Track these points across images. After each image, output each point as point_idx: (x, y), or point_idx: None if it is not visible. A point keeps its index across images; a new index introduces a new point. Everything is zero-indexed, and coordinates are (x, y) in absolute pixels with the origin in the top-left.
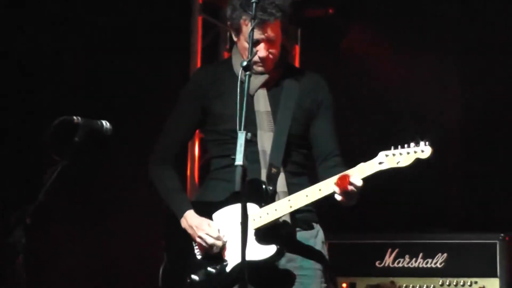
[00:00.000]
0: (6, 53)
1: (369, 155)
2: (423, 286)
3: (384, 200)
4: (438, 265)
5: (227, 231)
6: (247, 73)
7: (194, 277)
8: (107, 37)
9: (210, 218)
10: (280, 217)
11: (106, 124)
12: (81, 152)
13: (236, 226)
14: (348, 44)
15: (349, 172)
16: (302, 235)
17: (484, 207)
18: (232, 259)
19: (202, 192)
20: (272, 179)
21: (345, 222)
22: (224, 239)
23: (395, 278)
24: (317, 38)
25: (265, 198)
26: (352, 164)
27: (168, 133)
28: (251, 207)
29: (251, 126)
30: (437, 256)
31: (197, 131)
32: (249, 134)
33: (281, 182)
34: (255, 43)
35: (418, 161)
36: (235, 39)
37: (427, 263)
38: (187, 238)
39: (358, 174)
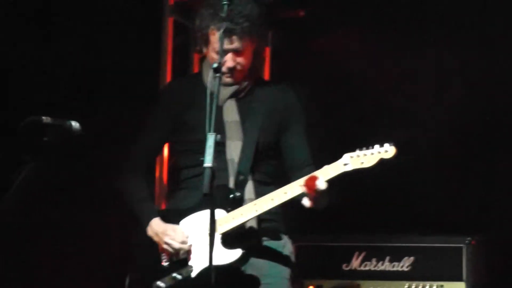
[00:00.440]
0: None
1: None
2: None
3: (351, 203)
4: (404, 268)
5: (193, 236)
6: (217, 74)
7: (160, 284)
8: (77, 39)
9: (177, 225)
10: (247, 222)
11: (75, 124)
12: (52, 152)
13: (202, 231)
14: (320, 45)
15: (315, 174)
16: (269, 245)
17: (451, 210)
18: (198, 264)
19: (171, 201)
20: (240, 186)
21: (313, 223)
22: (190, 244)
23: (361, 281)
24: (289, 40)
25: (232, 203)
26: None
27: (140, 143)
28: (218, 212)
29: (220, 135)
30: (403, 260)
31: None
32: (218, 136)
33: (249, 190)
34: (223, 53)
35: (382, 161)
36: (204, 50)
37: (393, 266)
38: (153, 246)
39: (323, 176)
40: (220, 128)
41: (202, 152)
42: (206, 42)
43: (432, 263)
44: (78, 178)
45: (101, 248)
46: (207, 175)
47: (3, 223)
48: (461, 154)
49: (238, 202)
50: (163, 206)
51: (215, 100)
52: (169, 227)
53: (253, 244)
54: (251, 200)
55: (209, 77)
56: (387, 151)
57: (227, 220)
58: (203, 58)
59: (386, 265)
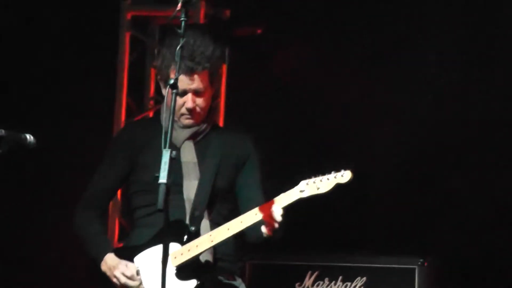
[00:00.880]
0: None
1: (299, 179)
2: None
3: (305, 221)
4: None
5: (147, 271)
6: (174, 91)
7: None
8: (34, 49)
9: (131, 261)
10: (202, 256)
11: (30, 137)
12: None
13: (156, 266)
14: (276, 64)
15: (271, 201)
16: (222, 280)
17: (404, 231)
18: None
19: (127, 240)
20: (195, 222)
21: (266, 241)
22: (143, 279)
23: None
24: (245, 58)
25: (188, 237)
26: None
27: (96, 183)
28: (173, 246)
29: (177, 176)
30: (356, 280)
31: None
32: (173, 153)
33: (205, 226)
34: (182, 93)
35: (338, 185)
36: (164, 92)
37: (346, 286)
38: (107, 282)
39: (279, 202)
40: (177, 169)
41: (156, 192)
42: (167, 81)
43: (384, 283)
44: (25, 190)
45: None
46: (161, 191)
47: None
48: (415, 175)
49: (194, 236)
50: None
51: (171, 118)
52: (122, 262)
53: (208, 277)
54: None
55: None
56: (343, 175)
57: (182, 251)
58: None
59: (338, 285)
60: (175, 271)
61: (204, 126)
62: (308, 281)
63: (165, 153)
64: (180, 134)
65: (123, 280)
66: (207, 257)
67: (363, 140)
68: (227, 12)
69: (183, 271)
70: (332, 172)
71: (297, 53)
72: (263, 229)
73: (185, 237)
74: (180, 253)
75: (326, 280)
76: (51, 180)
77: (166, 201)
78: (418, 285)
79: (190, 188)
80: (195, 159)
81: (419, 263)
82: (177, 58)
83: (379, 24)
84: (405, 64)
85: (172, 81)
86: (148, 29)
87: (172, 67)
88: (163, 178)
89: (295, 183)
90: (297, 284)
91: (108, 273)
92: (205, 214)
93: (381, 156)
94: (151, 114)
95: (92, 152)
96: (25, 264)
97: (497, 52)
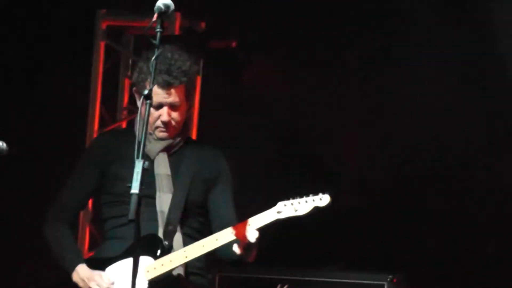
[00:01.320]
0: None
1: (271, 199)
2: None
3: (275, 235)
4: None
5: (119, 283)
6: (148, 101)
7: None
8: (9, 58)
9: (102, 272)
10: (175, 269)
11: (1, 144)
12: None
13: (126, 279)
14: (250, 77)
15: (248, 220)
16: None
17: (374, 247)
18: None
19: (97, 251)
20: (169, 236)
21: (238, 262)
22: None
23: None
24: (219, 70)
25: (161, 251)
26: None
27: (67, 195)
28: (146, 259)
29: (150, 188)
30: None
31: None
32: (146, 163)
33: (177, 241)
34: (158, 106)
35: (316, 209)
36: (138, 103)
37: None
38: None
39: (255, 223)
40: (150, 181)
41: (127, 203)
42: (143, 93)
43: None
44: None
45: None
46: (133, 202)
47: None
48: (386, 191)
49: (166, 251)
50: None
51: (144, 128)
52: (95, 273)
53: None
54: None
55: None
56: (322, 199)
57: (156, 266)
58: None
59: None
60: (147, 285)
61: (178, 139)
62: None
63: (137, 163)
64: (154, 146)
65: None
66: (179, 271)
67: (334, 155)
68: (202, 24)
69: (156, 285)
70: (311, 195)
71: (270, 66)
72: (236, 248)
73: (159, 251)
74: (153, 267)
75: None
76: (21, 190)
77: (137, 211)
78: None
79: (164, 201)
80: (168, 172)
81: (388, 279)
82: (151, 69)
83: (357, 37)
84: (378, 76)
85: (146, 92)
86: (122, 39)
87: (149, 80)
88: (135, 188)
89: (271, 200)
90: None
91: (81, 284)
92: (178, 228)
93: (352, 171)
94: (124, 125)
95: (64, 161)
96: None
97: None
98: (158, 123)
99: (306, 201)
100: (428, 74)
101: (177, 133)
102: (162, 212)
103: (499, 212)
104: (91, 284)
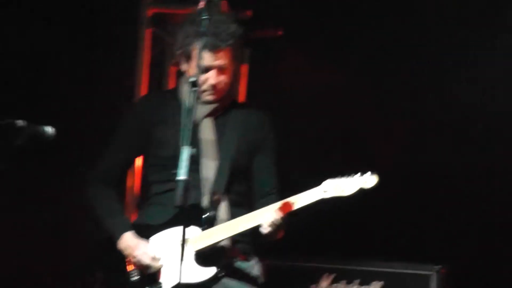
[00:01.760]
0: None
1: (311, 184)
2: None
3: (322, 224)
4: None
5: (164, 253)
6: (194, 89)
7: None
8: (55, 45)
9: (148, 241)
10: (220, 242)
11: (49, 129)
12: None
13: (172, 248)
14: (294, 66)
15: (292, 199)
16: (239, 265)
17: (422, 238)
18: (167, 281)
19: (141, 216)
20: (214, 205)
21: (283, 243)
22: (160, 261)
23: None
24: (265, 59)
25: (206, 222)
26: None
27: (110, 156)
28: (192, 229)
29: (195, 154)
30: (373, 284)
31: None
32: (193, 150)
33: (223, 209)
34: (205, 70)
35: (362, 191)
36: (184, 68)
37: None
38: (122, 260)
39: (301, 201)
40: (195, 146)
41: (173, 168)
42: (188, 58)
43: None
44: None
45: (65, 251)
46: (180, 188)
47: None
48: (436, 180)
49: (211, 222)
50: (132, 218)
51: (191, 115)
52: (141, 242)
53: (225, 264)
54: (224, 220)
55: (186, 92)
56: (368, 181)
57: (201, 238)
58: (180, 72)
59: None
60: (194, 256)
61: (224, 103)
62: (324, 283)
63: (184, 150)
64: (200, 110)
65: (146, 262)
66: (224, 243)
67: (379, 142)
68: (249, 13)
69: (202, 257)
70: (357, 175)
71: (313, 53)
72: (263, 228)
73: (204, 221)
74: (199, 238)
75: (343, 283)
76: (65, 177)
77: (185, 197)
78: None
79: (208, 167)
80: (213, 137)
81: (436, 269)
82: (198, 54)
83: (400, 30)
84: (415, 70)
85: (193, 79)
86: (168, 26)
87: (194, 44)
88: (182, 175)
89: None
90: (312, 286)
91: (126, 252)
92: (223, 196)
93: (399, 160)
94: None
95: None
96: None
97: None
98: (205, 86)
99: (353, 181)
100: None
101: (224, 95)
102: (206, 179)
103: None
104: (136, 253)
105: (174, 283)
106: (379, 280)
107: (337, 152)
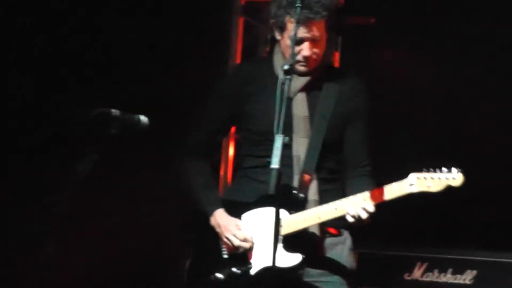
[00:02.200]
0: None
1: (398, 174)
2: None
3: (416, 213)
4: (467, 281)
5: (254, 233)
6: (288, 77)
7: (218, 275)
8: (147, 35)
9: (239, 218)
10: (308, 227)
11: (143, 118)
12: (114, 145)
13: (263, 229)
14: (386, 55)
15: (378, 192)
16: (330, 241)
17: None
18: (257, 262)
19: (233, 189)
20: (304, 186)
21: (376, 231)
22: (251, 242)
23: None
24: (357, 46)
25: (296, 205)
26: (382, 180)
27: (201, 127)
28: (281, 213)
29: (287, 129)
30: (466, 273)
31: (232, 131)
32: (286, 138)
33: (313, 190)
34: (299, 41)
35: (449, 188)
36: (278, 37)
37: (456, 278)
38: (215, 235)
39: (389, 194)
40: (288, 121)
41: (266, 144)
42: (282, 29)
43: (495, 278)
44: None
45: (148, 238)
46: (273, 177)
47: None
48: None
49: (301, 204)
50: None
51: (284, 101)
52: (232, 222)
53: (313, 253)
54: (315, 201)
55: (279, 77)
56: (455, 178)
57: (289, 222)
58: (274, 42)
59: (448, 277)
60: (281, 241)
61: (318, 74)
62: (417, 272)
63: (277, 138)
64: (294, 84)
65: (237, 243)
66: (313, 229)
67: (470, 136)
68: (341, 0)
69: (289, 242)
70: (444, 171)
71: (406, 43)
72: (349, 217)
73: (294, 205)
74: (287, 222)
75: (436, 272)
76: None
77: (278, 186)
78: None
79: (299, 145)
80: (306, 113)
81: None
82: (291, 44)
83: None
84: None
85: (286, 66)
86: (260, 15)
87: (288, 17)
88: (275, 164)
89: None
90: (405, 275)
91: (218, 230)
92: (314, 175)
93: (493, 153)
94: None
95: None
96: None
97: None
98: (299, 57)
99: (440, 178)
100: None
101: (318, 65)
102: (298, 157)
103: None
104: (227, 235)
105: (263, 265)
106: (473, 269)
107: (431, 141)
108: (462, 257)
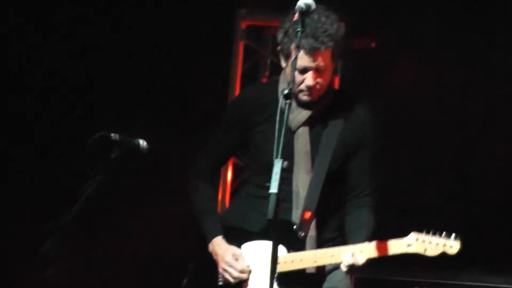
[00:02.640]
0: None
1: (401, 196)
2: None
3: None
4: None
5: (252, 265)
6: (287, 101)
7: None
8: (147, 57)
9: (239, 246)
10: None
11: (143, 142)
12: (116, 168)
13: (261, 262)
14: (390, 77)
15: (373, 246)
16: (327, 266)
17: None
18: None
19: (234, 212)
20: (305, 223)
21: None
22: (248, 273)
23: None
24: (358, 70)
25: (295, 243)
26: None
27: (211, 151)
28: (279, 249)
29: (288, 163)
30: None
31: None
32: (285, 163)
33: (312, 226)
34: (303, 70)
35: (444, 254)
36: (283, 64)
37: None
38: (213, 261)
39: (383, 250)
40: (289, 155)
41: (268, 175)
42: (287, 57)
43: None
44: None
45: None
46: (272, 201)
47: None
48: None
49: (300, 243)
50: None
51: (284, 125)
52: (230, 252)
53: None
54: (313, 237)
55: (280, 102)
56: (452, 246)
57: (286, 261)
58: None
59: None
60: (275, 277)
61: (321, 106)
62: None
63: (276, 163)
64: (297, 118)
65: (235, 274)
66: (310, 270)
67: (483, 156)
68: (342, 25)
69: (283, 279)
70: (443, 237)
71: (411, 68)
72: (342, 266)
73: (293, 244)
74: (283, 260)
75: None
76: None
77: (276, 211)
78: None
79: (300, 180)
80: (308, 148)
81: None
82: (292, 69)
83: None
84: None
85: (286, 91)
86: (261, 39)
87: (293, 44)
88: (273, 188)
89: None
90: None
91: (215, 257)
92: (314, 212)
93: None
94: None
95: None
96: None
97: None
98: (302, 86)
99: (438, 243)
100: None
101: (321, 95)
102: (297, 193)
103: None
104: (224, 265)
105: None
106: None
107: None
108: (461, 282)
